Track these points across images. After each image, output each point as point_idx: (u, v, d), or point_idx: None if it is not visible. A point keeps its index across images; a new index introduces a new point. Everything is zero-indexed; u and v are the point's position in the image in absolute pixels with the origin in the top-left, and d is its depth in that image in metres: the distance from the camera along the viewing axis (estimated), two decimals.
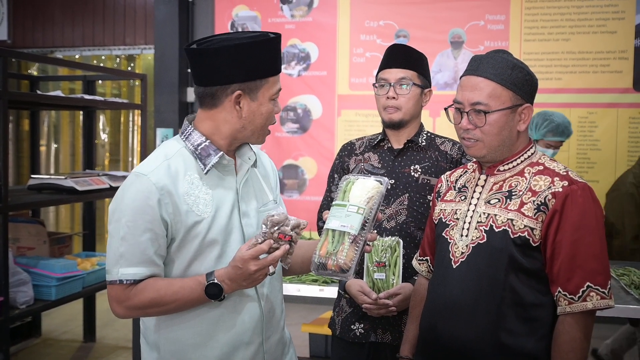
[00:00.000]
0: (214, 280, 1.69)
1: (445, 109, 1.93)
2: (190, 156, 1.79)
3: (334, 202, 1.74)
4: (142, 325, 1.89)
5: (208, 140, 1.79)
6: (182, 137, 1.82)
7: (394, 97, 2.39)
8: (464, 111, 1.84)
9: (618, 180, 4.28)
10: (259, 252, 1.64)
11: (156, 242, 1.71)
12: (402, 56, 2.44)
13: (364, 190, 1.72)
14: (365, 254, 2.18)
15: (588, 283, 1.72)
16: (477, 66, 1.84)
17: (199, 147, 1.78)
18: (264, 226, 1.65)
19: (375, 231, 1.78)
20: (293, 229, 1.66)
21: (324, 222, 2.51)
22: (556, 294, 1.76)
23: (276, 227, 1.65)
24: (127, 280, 1.71)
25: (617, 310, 2.81)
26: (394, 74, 2.41)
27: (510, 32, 5.58)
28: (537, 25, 5.55)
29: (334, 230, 1.68)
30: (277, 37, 1.78)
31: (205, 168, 1.77)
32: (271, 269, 1.66)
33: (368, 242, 1.71)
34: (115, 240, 1.71)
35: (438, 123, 5.52)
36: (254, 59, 1.73)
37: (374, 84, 2.48)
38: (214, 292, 1.70)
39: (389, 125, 2.44)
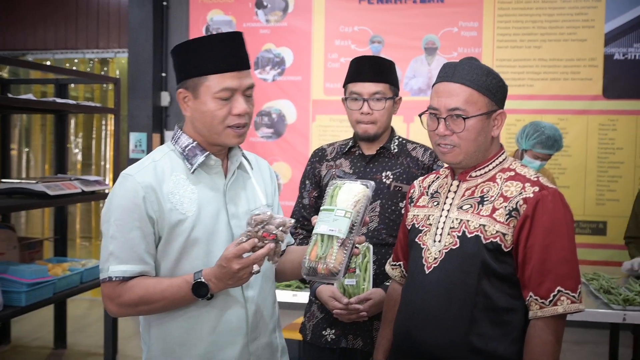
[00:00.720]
0: (200, 279, 1.71)
1: (420, 115, 1.94)
2: (177, 158, 1.85)
3: (322, 207, 1.76)
4: (140, 322, 1.94)
5: (195, 142, 1.84)
6: (172, 141, 1.89)
7: (369, 113, 2.38)
8: (440, 117, 1.85)
9: None
10: (241, 251, 1.64)
11: (144, 239, 1.76)
12: (373, 69, 2.40)
13: (350, 194, 1.74)
14: None
15: (559, 287, 1.74)
16: (452, 73, 1.85)
17: (187, 149, 1.84)
18: (248, 225, 1.67)
19: (363, 235, 1.80)
20: (278, 227, 1.66)
21: (302, 228, 2.52)
22: (528, 298, 1.78)
23: (260, 226, 1.65)
24: (116, 277, 1.75)
25: (587, 315, 2.85)
26: (366, 87, 2.39)
27: (483, 39, 5.64)
28: (510, 33, 5.62)
29: (322, 235, 1.69)
30: (217, 35, 1.78)
31: (192, 167, 1.82)
32: (255, 267, 1.66)
33: (356, 245, 1.72)
34: (106, 239, 1.78)
35: (412, 129, 5.56)
36: (192, 58, 1.77)
37: (344, 98, 2.47)
38: (200, 291, 1.72)
39: (363, 138, 2.44)
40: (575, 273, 1.78)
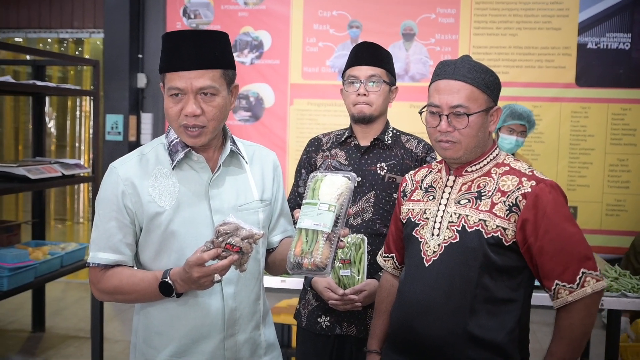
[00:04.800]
0: (167, 278, 1.75)
1: (420, 112, 1.98)
2: (164, 151, 1.89)
3: (304, 201, 1.75)
4: (135, 307, 1.99)
5: (179, 138, 1.87)
6: (165, 134, 1.93)
7: (364, 94, 2.44)
8: (442, 114, 1.89)
9: None
10: (200, 260, 1.63)
11: (121, 230, 1.83)
12: (371, 54, 2.48)
13: (333, 187, 1.73)
14: None
15: (583, 269, 1.80)
16: (453, 70, 1.89)
17: (171, 144, 1.88)
18: (213, 234, 1.64)
19: (347, 228, 1.81)
20: (244, 239, 1.63)
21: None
22: (554, 287, 1.82)
23: (222, 238, 1.62)
24: (94, 263, 1.84)
25: (543, 299, 2.89)
26: (364, 71, 2.45)
27: (460, 25, 5.71)
28: (486, 20, 5.70)
29: (307, 229, 1.69)
30: (182, 32, 1.77)
31: (172, 163, 1.85)
32: (217, 277, 1.64)
33: (341, 238, 1.72)
34: (93, 227, 1.88)
35: (389, 113, 5.60)
36: (161, 53, 1.81)
37: (343, 82, 2.52)
38: (166, 290, 1.75)
39: (358, 119, 2.48)
40: (591, 253, 1.84)
